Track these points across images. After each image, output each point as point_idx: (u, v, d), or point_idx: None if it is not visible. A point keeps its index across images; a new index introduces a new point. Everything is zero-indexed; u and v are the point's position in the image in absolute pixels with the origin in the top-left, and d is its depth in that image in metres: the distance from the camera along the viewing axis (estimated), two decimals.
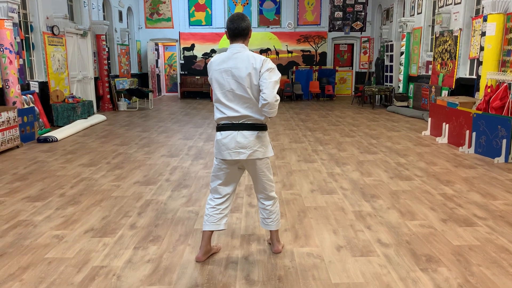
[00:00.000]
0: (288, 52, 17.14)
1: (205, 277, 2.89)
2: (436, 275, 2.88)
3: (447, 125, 7.51)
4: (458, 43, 9.68)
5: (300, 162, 6.16)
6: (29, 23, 9.39)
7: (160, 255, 3.22)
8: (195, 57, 17.22)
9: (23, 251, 3.29)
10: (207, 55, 17.17)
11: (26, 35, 9.30)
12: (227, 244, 3.41)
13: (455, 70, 9.77)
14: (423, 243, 3.39)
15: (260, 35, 16.98)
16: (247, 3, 16.91)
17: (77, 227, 3.76)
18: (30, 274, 2.93)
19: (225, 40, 17.01)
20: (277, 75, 2.79)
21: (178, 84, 17.60)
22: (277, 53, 17.14)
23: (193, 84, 17.24)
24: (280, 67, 17.12)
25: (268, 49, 17.09)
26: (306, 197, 4.58)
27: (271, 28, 17.00)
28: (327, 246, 3.36)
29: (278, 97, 2.77)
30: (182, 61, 17.29)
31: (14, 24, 8.24)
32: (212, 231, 3.14)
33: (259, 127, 2.91)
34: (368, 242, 3.42)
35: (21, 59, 8.66)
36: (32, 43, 9.49)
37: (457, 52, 9.70)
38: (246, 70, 2.78)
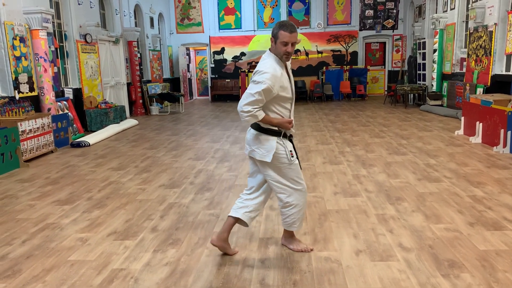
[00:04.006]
0: (318, 52, 16.99)
1: (220, 280, 2.90)
2: (458, 281, 2.77)
3: (481, 124, 7.23)
4: (493, 39, 9.31)
5: (326, 164, 6.08)
6: (63, 32, 9.75)
7: (178, 258, 3.26)
8: (225, 60, 17.37)
9: (48, 253, 3.41)
10: (237, 58, 17.29)
11: (61, 44, 9.66)
12: (244, 247, 3.41)
13: (491, 67, 9.40)
14: (446, 248, 3.27)
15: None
16: (276, 5, 16.90)
17: (101, 230, 3.86)
18: (53, 276, 3.03)
19: (254, 43, 17.09)
20: (255, 89, 2.85)
21: (209, 88, 17.79)
22: (307, 54, 17.04)
23: (223, 87, 17.39)
24: (310, 68, 17.03)
25: (298, 50, 17.00)
26: (328, 200, 4.52)
27: (301, 29, 16.90)
28: (346, 250, 3.30)
29: (247, 109, 2.86)
30: (213, 65, 17.48)
31: (49, 34, 8.57)
32: (234, 221, 3.22)
33: (259, 128, 3.04)
34: (388, 246, 3.33)
35: (55, 67, 9.00)
36: (66, 51, 9.84)
37: (492, 48, 9.33)
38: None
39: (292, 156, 3.06)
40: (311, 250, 3.30)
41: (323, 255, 3.22)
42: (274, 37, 2.95)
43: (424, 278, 2.84)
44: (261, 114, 2.92)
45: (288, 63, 3.13)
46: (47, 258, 3.32)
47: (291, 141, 3.13)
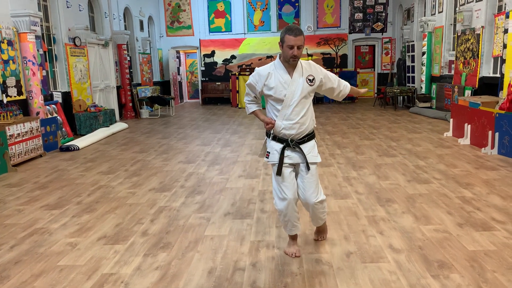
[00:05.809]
0: (308, 55, 16.99)
1: (211, 284, 2.89)
2: (447, 282, 2.80)
3: (469, 125, 7.31)
4: (480, 41, 9.42)
5: None
6: (52, 35, 9.67)
7: (169, 262, 3.24)
8: (215, 63, 17.35)
9: (37, 258, 3.37)
10: (228, 61, 17.28)
11: (49, 47, 9.58)
12: (235, 250, 3.40)
13: (478, 69, 9.51)
14: (436, 249, 3.30)
15: (279, 40, 16.94)
16: (266, 8, 16.94)
17: (90, 235, 3.83)
18: (42, 282, 2.99)
19: (244, 46, 17.10)
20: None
21: (199, 91, 17.76)
22: None
23: (214, 90, 17.37)
24: None
25: None
26: None
27: None
28: (337, 252, 3.31)
29: (244, 99, 3.30)
30: (203, 68, 17.45)
31: (37, 37, 8.50)
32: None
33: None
34: (379, 248, 3.35)
35: (44, 71, 8.92)
36: (55, 55, 9.76)
37: (480, 50, 9.44)
38: None
39: (267, 157, 3.16)
40: (297, 256, 3.24)
41: (314, 257, 3.23)
42: (281, 41, 3.04)
43: (414, 279, 2.86)
44: (251, 108, 3.24)
45: (306, 68, 3.11)
46: (36, 263, 3.29)
47: (298, 146, 3.08)
